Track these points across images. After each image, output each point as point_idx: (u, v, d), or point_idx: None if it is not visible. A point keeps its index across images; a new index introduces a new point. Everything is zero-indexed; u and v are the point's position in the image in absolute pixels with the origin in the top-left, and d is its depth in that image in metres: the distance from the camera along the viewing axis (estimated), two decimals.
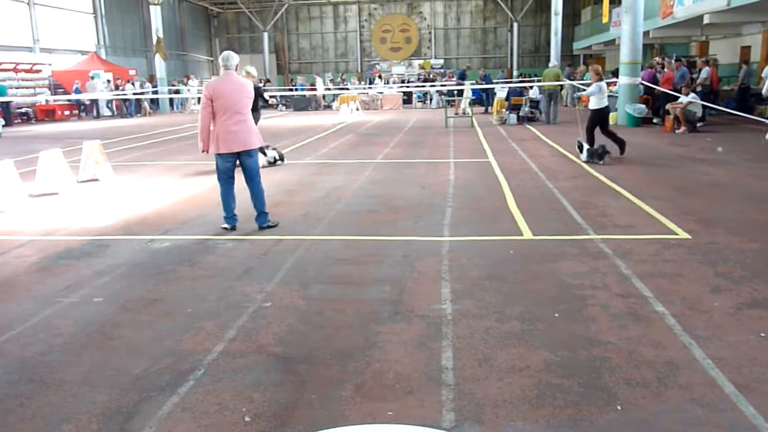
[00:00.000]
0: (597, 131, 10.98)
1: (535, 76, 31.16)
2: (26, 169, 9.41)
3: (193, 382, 3.30)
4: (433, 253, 5.51)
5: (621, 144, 10.99)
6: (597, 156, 10.50)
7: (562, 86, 19.05)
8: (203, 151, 6.41)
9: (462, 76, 26.10)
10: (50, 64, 28.36)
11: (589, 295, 4.40)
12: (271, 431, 2.83)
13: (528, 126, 17.68)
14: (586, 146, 10.70)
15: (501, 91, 20.52)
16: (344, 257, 5.48)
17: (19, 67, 25.68)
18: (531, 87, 20.46)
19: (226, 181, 6.44)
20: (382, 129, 18.51)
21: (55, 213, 7.62)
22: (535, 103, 19.30)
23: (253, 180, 6.48)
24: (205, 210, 7.55)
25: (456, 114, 20.36)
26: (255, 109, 9.16)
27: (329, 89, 31.09)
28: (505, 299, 4.37)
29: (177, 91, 31.82)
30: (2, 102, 22.60)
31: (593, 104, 11.01)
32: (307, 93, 31.38)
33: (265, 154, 10.02)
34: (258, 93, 9.41)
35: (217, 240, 6.16)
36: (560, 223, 6.48)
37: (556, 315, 4.07)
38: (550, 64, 20.00)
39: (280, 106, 31.01)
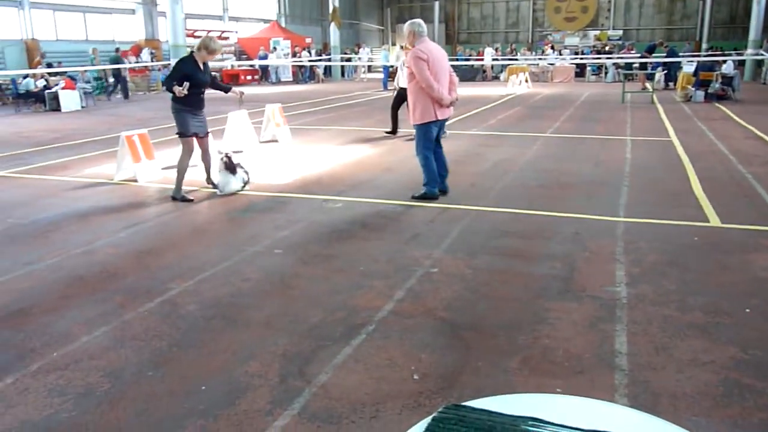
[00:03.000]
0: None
1: (735, 49, 28.20)
2: (215, 128, 10.25)
3: (365, 336, 3.45)
4: (606, 233, 5.25)
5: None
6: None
7: None
8: (456, 99, 6.50)
9: (651, 50, 24.13)
10: (236, 32, 30.58)
11: None
12: (439, 392, 2.89)
13: (717, 104, 16.12)
14: None
15: (688, 66, 18.81)
16: (512, 230, 5.40)
17: (211, 34, 27.96)
18: (725, 61, 18.53)
19: (433, 149, 6.40)
20: (552, 102, 17.84)
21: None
22: (728, 80, 17.47)
23: (441, 145, 6.62)
24: (374, 174, 7.79)
25: (644, 89, 19.06)
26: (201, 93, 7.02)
27: (497, 59, 30.44)
28: (688, 288, 4.07)
29: (348, 59, 32.89)
30: None
31: (403, 82, 11.13)
32: (474, 63, 30.99)
33: (234, 173, 6.94)
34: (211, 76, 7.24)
35: (387, 204, 6.34)
36: (754, 211, 5.88)
37: (747, 310, 3.72)
38: None
39: None
